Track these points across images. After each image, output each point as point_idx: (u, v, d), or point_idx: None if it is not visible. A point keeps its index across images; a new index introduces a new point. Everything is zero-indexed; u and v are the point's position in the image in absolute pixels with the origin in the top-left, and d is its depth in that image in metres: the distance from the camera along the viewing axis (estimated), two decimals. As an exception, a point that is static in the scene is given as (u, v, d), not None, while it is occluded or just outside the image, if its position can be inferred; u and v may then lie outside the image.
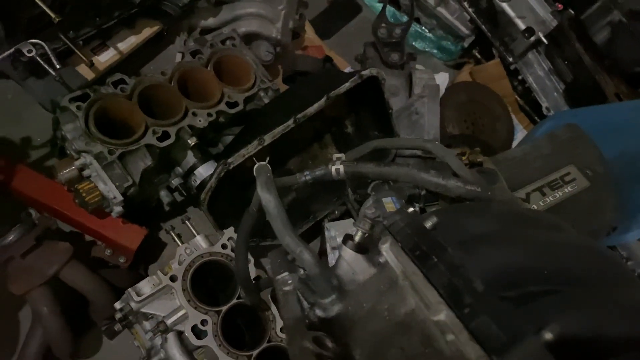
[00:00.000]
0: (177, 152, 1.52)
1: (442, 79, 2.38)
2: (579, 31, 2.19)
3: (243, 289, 1.26)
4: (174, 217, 1.67)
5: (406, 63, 2.09)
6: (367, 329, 0.62)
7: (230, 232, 1.41)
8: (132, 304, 1.24)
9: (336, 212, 1.76)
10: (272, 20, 1.89)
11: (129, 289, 1.24)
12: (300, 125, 1.46)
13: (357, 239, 0.72)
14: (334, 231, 1.55)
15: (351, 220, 1.65)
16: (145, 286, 1.26)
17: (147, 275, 1.29)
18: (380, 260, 0.64)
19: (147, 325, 1.31)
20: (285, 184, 1.16)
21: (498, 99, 2.26)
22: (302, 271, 0.74)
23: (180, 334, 1.24)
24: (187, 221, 1.47)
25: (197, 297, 1.27)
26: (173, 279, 1.27)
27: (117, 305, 1.29)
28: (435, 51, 2.61)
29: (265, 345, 1.30)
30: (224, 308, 1.29)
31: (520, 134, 2.32)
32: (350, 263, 0.70)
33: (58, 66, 1.41)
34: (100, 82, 1.49)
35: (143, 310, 1.25)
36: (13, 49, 1.36)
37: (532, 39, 2.27)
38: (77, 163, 1.36)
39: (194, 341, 1.22)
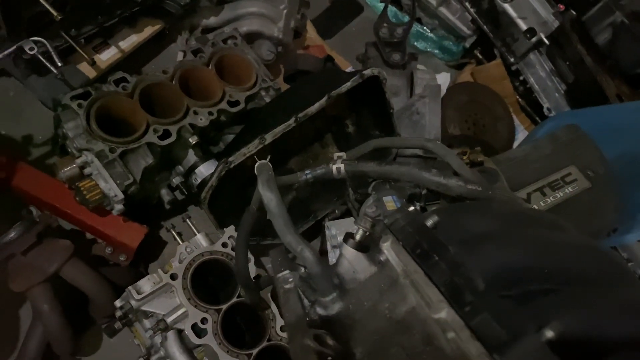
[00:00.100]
0: (178, 150, 1.52)
1: (444, 79, 2.38)
2: (580, 32, 2.19)
3: (243, 287, 1.26)
4: (175, 215, 1.67)
5: (407, 63, 2.09)
6: (367, 327, 0.62)
7: (230, 230, 1.41)
8: (132, 302, 1.24)
9: (337, 211, 1.76)
10: (274, 19, 1.89)
11: (129, 287, 1.24)
12: (301, 125, 1.46)
13: (358, 237, 0.72)
14: (335, 230, 1.55)
15: (352, 219, 1.65)
16: (146, 284, 1.26)
17: (148, 274, 1.29)
18: (381, 259, 0.64)
19: (147, 323, 1.31)
20: (286, 182, 1.16)
21: (499, 99, 2.26)
22: (303, 269, 0.74)
23: (180, 333, 1.24)
24: (187, 220, 1.47)
25: (197, 295, 1.27)
26: (173, 277, 1.27)
27: (118, 303, 1.29)
28: (436, 51, 2.61)
29: (265, 344, 1.30)
30: (224, 307, 1.29)
31: (521, 134, 2.32)
32: (351, 261, 0.70)
33: (60, 64, 1.41)
34: (102, 80, 1.49)
35: (143, 308, 1.25)
36: (15, 47, 1.36)
37: (534, 39, 2.27)
38: (78, 161, 1.37)
39: (194, 339, 1.22)
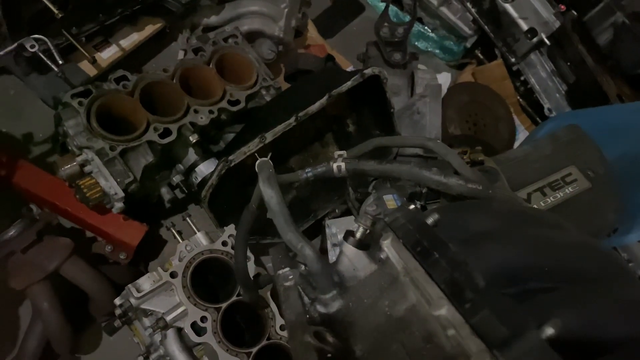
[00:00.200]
0: (178, 149, 1.52)
1: (444, 79, 2.38)
2: (581, 32, 2.19)
3: (241, 286, 1.26)
4: (175, 214, 1.67)
5: (408, 63, 2.09)
6: (368, 324, 0.62)
7: (230, 229, 1.41)
8: (132, 300, 1.23)
9: (337, 210, 1.76)
10: (275, 18, 1.89)
11: (129, 285, 1.24)
12: (301, 124, 1.46)
13: (358, 235, 0.72)
14: (335, 228, 1.55)
15: (352, 217, 1.65)
16: (145, 282, 1.26)
17: (148, 272, 1.29)
18: (382, 257, 0.64)
19: (147, 321, 1.31)
20: (287, 180, 1.16)
21: (500, 99, 2.26)
22: (303, 267, 0.74)
23: (179, 331, 1.24)
24: (187, 218, 1.47)
25: (197, 294, 1.27)
26: (173, 275, 1.27)
27: (117, 301, 1.29)
28: (437, 51, 2.61)
29: (264, 342, 1.30)
30: (224, 305, 1.29)
31: (522, 134, 2.32)
32: (351, 259, 0.70)
33: (60, 62, 1.41)
34: (103, 78, 1.49)
35: (143, 306, 1.25)
36: (16, 44, 1.36)
37: (535, 40, 2.27)
38: (79, 159, 1.37)
39: (194, 338, 1.22)
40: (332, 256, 1.47)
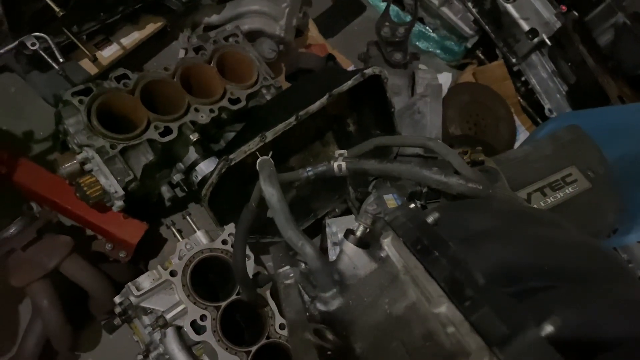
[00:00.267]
0: (178, 147, 1.52)
1: (445, 79, 2.38)
2: (582, 33, 2.19)
3: (240, 284, 1.26)
4: (175, 212, 1.68)
5: (409, 62, 2.10)
6: (367, 322, 0.62)
7: (230, 228, 1.41)
8: (132, 298, 1.23)
9: (337, 209, 1.76)
10: (276, 17, 1.89)
11: (129, 283, 1.24)
12: (302, 123, 1.46)
13: (358, 233, 0.72)
14: (335, 227, 1.55)
15: (352, 216, 1.65)
16: (145, 281, 1.26)
17: (147, 270, 1.29)
18: (382, 255, 0.65)
19: (147, 320, 1.31)
20: (288, 179, 1.15)
21: (501, 100, 2.26)
22: (303, 265, 0.74)
23: (179, 329, 1.24)
24: (187, 217, 1.47)
25: (196, 292, 1.27)
26: (173, 274, 1.27)
27: (117, 299, 1.29)
28: (438, 51, 2.61)
29: (264, 341, 1.30)
30: (224, 304, 1.29)
31: (522, 135, 2.32)
32: (351, 257, 0.70)
33: (61, 60, 1.41)
34: (103, 77, 1.49)
35: (142, 304, 1.25)
36: (17, 42, 1.36)
37: (536, 40, 2.27)
38: (79, 157, 1.36)
39: (193, 336, 1.22)
40: (332, 255, 1.47)
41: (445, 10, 2.47)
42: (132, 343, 1.41)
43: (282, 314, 1.34)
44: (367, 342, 0.61)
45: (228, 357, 1.23)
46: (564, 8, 2.27)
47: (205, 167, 1.52)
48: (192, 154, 1.53)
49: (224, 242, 1.38)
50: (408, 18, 2.38)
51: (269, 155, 0.95)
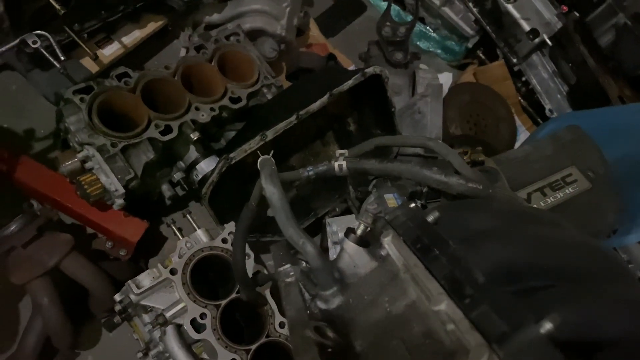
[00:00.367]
0: (179, 146, 1.52)
1: (446, 79, 2.38)
2: (583, 33, 2.19)
3: (239, 283, 1.26)
4: (175, 211, 1.68)
5: (410, 62, 2.10)
6: (368, 320, 0.62)
7: (230, 226, 1.41)
8: (132, 296, 1.24)
9: (337, 209, 1.76)
10: (277, 17, 1.89)
11: (129, 281, 1.24)
12: (302, 122, 1.46)
13: (359, 232, 0.72)
14: (336, 226, 1.55)
15: (352, 216, 1.65)
16: (145, 279, 1.26)
17: (148, 269, 1.29)
18: (382, 253, 0.65)
19: (146, 318, 1.31)
20: (288, 179, 1.16)
21: (501, 100, 2.26)
22: (304, 264, 0.74)
23: (179, 327, 1.25)
24: (188, 215, 1.47)
25: (196, 290, 1.27)
26: (173, 272, 1.27)
27: (117, 297, 1.29)
28: (439, 51, 2.61)
29: (263, 340, 1.30)
30: (223, 302, 1.29)
31: (523, 135, 2.32)
32: (352, 256, 0.70)
33: (62, 58, 1.41)
34: (104, 75, 1.49)
35: (142, 302, 1.25)
36: (18, 40, 1.36)
37: (537, 40, 2.27)
38: (80, 155, 1.37)
39: (193, 334, 1.22)
40: (332, 254, 1.48)
41: (446, 10, 2.47)
42: (132, 341, 1.41)
43: (282, 313, 1.34)
44: (367, 340, 0.61)
45: (228, 355, 1.23)
46: (564, 8, 2.27)
47: (206, 165, 1.52)
48: (192, 153, 1.53)
49: (224, 240, 1.38)
50: (409, 18, 2.38)
51: (270, 155, 0.95)
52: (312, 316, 0.67)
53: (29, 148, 1.60)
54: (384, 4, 2.10)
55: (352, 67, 2.25)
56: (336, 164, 1.10)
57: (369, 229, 0.72)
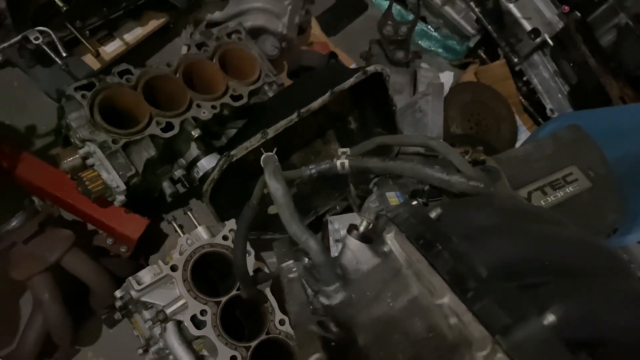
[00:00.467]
0: (180, 143, 1.52)
1: (447, 79, 2.38)
2: (585, 33, 2.19)
3: (240, 281, 1.26)
4: (176, 208, 1.67)
5: (411, 61, 2.10)
6: (370, 315, 0.62)
7: (231, 224, 1.41)
8: (133, 293, 1.24)
9: (337, 207, 1.76)
10: (279, 15, 1.89)
11: (130, 278, 1.24)
12: (303, 120, 1.46)
13: (361, 228, 0.72)
14: (338, 224, 1.55)
15: (354, 214, 1.65)
16: (146, 275, 1.26)
17: (148, 266, 1.29)
18: (385, 250, 0.65)
19: (147, 314, 1.31)
20: (291, 177, 1.16)
21: (502, 99, 2.26)
22: (306, 260, 0.74)
23: (179, 324, 1.25)
24: (189, 212, 1.47)
25: (197, 287, 1.27)
26: (174, 268, 1.27)
27: (118, 293, 1.29)
28: (440, 50, 2.61)
29: (263, 337, 1.30)
30: (224, 299, 1.29)
31: (523, 135, 2.32)
32: (354, 252, 0.70)
33: (65, 54, 1.41)
34: (106, 72, 1.49)
35: (143, 299, 1.25)
36: (20, 36, 1.37)
37: (538, 40, 2.27)
38: (81, 151, 1.37)
39: (193, 331, 1.23)
40: (334, 252, 1.47)
41: (447, 9, 2.47)
42: (132, 337, 1.41)
43: (282, 310, 1.35)
44: (370, 334, 0.61)
45: (228, 352, 1.23)
46: (566, 8, 2.26)
47: (207, 163, 1.52)
48: (193, 150, 1.53)
49: (225, 237, 1.39)
50: (410, 17, 2.38)
51: (274, 151, 0.96)
52: (314, 312, 0.67)
53: (30, 145, 1.61)
54: (386, 3, 2.10)
55: (353, 66, 2.24)
56: (338, 162, 1.10)
57: (371, 225, 0.72)
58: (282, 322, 1.33)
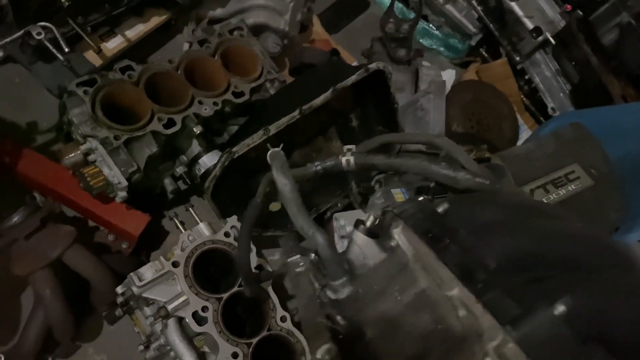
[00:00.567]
0: (182, 140, 1.52)
1: (448, 77, 2.37)
2: (587, 32, 2.18)
3: (243, 280, 1.27)
4: (177, 205, 1.67)
5: (413, 59, 2.09)
6: (378, 309, 0.62)
7: (233, 220, 1.41)
8: (134, 289, 1.24)
9: (339, 204, 1.76)
10: (280, 12, 1.89)
11: (131, 274, 1.24)
12: (305, 117, 1.46)
13: (368, 223, 0.72)
14: (343, 220, 1.55)
15: (360, 210, 1.65)
16: (148, 271, 1.26)
17: (149, 262, 1.29)
18: (391, 244, 0.65)
19: (148, 310, 1.31)
20: (297, 174, 1.16)
21: (504, 98, 2.26)
22: (313, 255, 0.74)
23: (180, 320, 1.25)
24: (190, 209, 1.47)
25: (198, 283, 1.27)
26: (175, 264, 1.27)
27: (119, 289, 1.29)
28: (442, 49, 2.60)
29: (265, 333, 1.30)
30: (225, 295, 1.29)
31: (525, 133, 2.31)
32: (361, 247, 0.71)
33: (67, 49, 1.41)
34: (108, 69, 1.49)
35: (144, 295, 1.25)
36: (23, 31, 1.36)
37: (540, 38, 2.26)
38: (83, 147, 1.37)
39: (195, 327, 1.23)
40: (339, 249, 1.47)
41: (449, 7, 2.46)
42: (133, 334, 1.41)
43: (283, 307, 1.35)
44: (378, 328, 0.61)
45: (229, 348, 1.23)
46: (568, 7, 2.26)
47: (208, 160, 1.52)
48: (195, 147, 1.53)
49: (227, 234, 1.38)
50: (412, 15, 2.38)
51: (280, 147, 0.96)
52: (322, 305, 0.67)
53: (32, 141, 1.60)
54: (387, 1, 2.10)
55: (355, 64, 2.24)
56: (344, 159, 1.10)
57: (378, 220, 0.72)
58: (283, 319, 1.33)
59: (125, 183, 1.36)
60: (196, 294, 1.26)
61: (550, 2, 2.27)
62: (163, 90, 1.50)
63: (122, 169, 1.36)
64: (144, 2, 1.75)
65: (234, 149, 1.37)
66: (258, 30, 1.87)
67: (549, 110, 2.38)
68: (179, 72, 1.53)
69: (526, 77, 2.45)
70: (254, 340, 1.27)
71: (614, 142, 1.62)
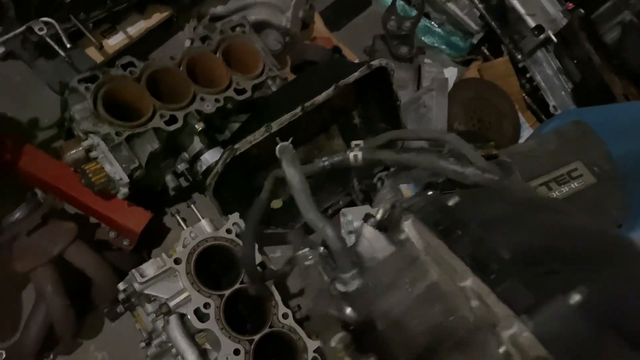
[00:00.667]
0: (184, 136, 1.51)
1: (450, 75, 2.37)
2: (588, 31, 2.18)
3: (249, 278, 1.26)
4: (179, 202, 1.67)
5: (415, 56, 2.09)
6: (388, 302, 0.62)
7: (235, 217, 1.41)
8: (136, 285, 1.23)
9: (341, 202, 1.76)
10: (282, 9, 1.89)
11: (133, 270, 1.24)
12: (307, 115, 1.46)
13: (378, 216, 0.72)
14: (351, 216, 1.54)
15: (367, 206, 1.65)
16: (149, 268, 1.26)
17: (150, 259, 1.29)
18: (401, 238, 0.65)
19: (150, 307, 1.31)
20: (305, 170, 1.15)
21: (505, 96, 2.25)
22: (322, 248, 0.74)
23: (182, 317, 1.24)
24: (192, 205, 1.47)
25: (200, 280, 1.27)
26: (177, 261, 1.27)
27: (121, 286, 1.29)
28: (443, 47, 2.59)
29: (267, 330, 1.30)
30: (227, 292, 1.28)
31: (526, 132, 2.31)
32: (370, 240, 0.70)
33: (68, 46, 1.40)
34: (109, 65, 1.49)
35: (146, 291, 1.24)
36: (24, 27, 1.36)
37: (542, 37, 2.26)
38: (85, 144, 1.36)
39: (196, 324, 1.22)
40: (347, 244, 1.47)
41: (451, 5, 2.46)
42: (134, 331, 1.40)
43: (285, 304, 1.34)
44: (388, 320, 0.61)
45: (231, 345, 1.23)
46: (570, 5, 2.26)
47: (210, 157, 1.52)
48: (197, 144, 1.53)
49: (228, 231, 1.38)
50: (414, 13, 2.37)
51: (289, 141, 0.95)
52: (332, 298, 0.67)
53: (33, 137, 1.61)
54: (389, -1, 2.10)
55: (357, 61, 2.24)
56: (351, 155, 1.09)
57: (387, 214, 0.72)
58: (285, 316, 1.33)
59: (126, 179, 1.36)
60: (198, 291, 1.25)
61: (552, 0, 2.27)
62: (165, 87, 1.49)
63: (124, 166, 1.36)
64: (145, -2, 1.75)
65: (236, 146, 1.37)
66: (260, 27, 1.87)
67: (551, 109, 2.38)
68: (180, 68, 1.53)
69: (528, 75, 2.44)
70: (256, 337, 1.27)
71: (615, 140, 1.62)
